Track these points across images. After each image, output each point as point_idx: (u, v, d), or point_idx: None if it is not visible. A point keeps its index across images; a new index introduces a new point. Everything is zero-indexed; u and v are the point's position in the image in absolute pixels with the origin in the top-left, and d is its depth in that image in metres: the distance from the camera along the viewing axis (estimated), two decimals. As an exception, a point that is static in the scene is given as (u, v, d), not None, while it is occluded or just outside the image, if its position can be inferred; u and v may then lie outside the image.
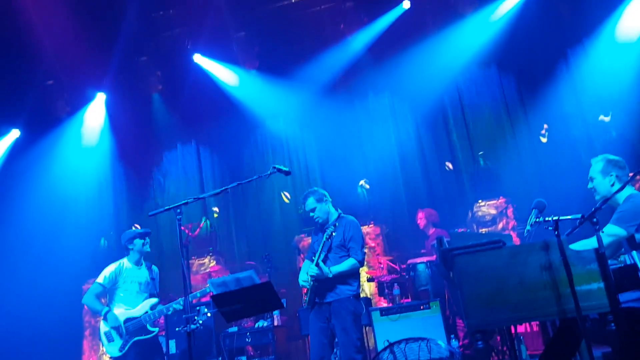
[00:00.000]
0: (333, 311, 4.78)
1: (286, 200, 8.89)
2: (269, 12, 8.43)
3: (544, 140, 7.68)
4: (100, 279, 5.45)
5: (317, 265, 4.73)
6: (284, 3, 8.17)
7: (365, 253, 4.99)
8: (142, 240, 5.51)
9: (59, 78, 9.06)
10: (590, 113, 7.50)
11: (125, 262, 5.56)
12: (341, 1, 8.12)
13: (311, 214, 5.05)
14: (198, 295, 5.48)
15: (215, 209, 8.94)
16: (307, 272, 4.85)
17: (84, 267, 8.79)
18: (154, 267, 5.70)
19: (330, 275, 4.74)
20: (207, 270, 8.77)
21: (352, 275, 4.88)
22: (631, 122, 7.13)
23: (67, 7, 7.50)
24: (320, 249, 4.84)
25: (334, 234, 4.84)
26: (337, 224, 4.94)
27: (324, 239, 4.84)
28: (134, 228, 5.57)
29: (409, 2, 8.02)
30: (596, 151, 4.39)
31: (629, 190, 3.87)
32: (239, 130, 9.24)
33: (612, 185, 3.91)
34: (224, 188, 4.30)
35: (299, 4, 8.45)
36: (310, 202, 5.02)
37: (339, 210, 5.10)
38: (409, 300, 6.71)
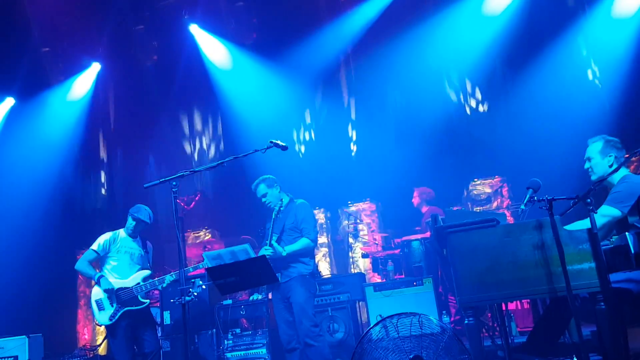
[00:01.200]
0: (291, 289, 4.90)
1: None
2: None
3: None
4: (94, 246, 5.46)
5: (270, 245, 4.83)
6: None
7: (317, 232, 5.15)
8: (138, 226, 5.52)
9: (54, 46, 8.92)
10: (586, 92, 7.47)
11: (121, 232, 5.59)
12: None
13: (263, 200, 5.15)
14: (191, 269, 5.52)
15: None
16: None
17: (78, 235, 8.82)
18: (148, 243, 5.73)
19: (284, 254, 4.86)
20: (202, 242, 8.82)
21: (307, 254, 5.00)
22: (626, 97, 7.12)
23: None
24: (271, 231, 4.95)
25: (281, 209, 4.97)
26: (288, 206, 5.06)
27: (273, 216, 4.97)
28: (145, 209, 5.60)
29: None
30: (590, 131, 4.37)
31: (623, 172, 3.89)
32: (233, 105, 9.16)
33: (610, 166, 3.92)
34: (220, 161, 4.27)
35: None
36: (262, 188, 5.13)
37: (290, 195, 5.20)
38: (403, 276, 6.78)
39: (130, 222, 5.50)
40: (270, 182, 5.15)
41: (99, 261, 5.51)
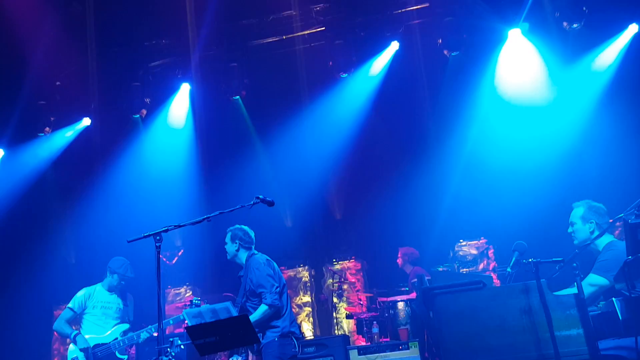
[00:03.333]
0: (264, 355, 4.79)
1: None
2: (259, 47, 8.51)
3: None
4: (70, 304, 5.41)
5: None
6: (275, 39, 8.26)
7: (276, 293, 4.88)
8: (118, 280, 5.47)
9: (49, 99, 8.92)
10: (572, 155, 7.62)
11: (98, 287, 5.50)
12: (331, 39, 8.22)
13: (226, 246, 5.16)
14: (171, 322, 5.36)
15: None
16: None
17: (55, 291, 8.57)
18: (129, 295, 5.60)
19: None
20: (183, 301, 8.59)
21: (273, 317, 4.86)
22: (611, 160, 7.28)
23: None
24: (240, 295, 4.97)
25: (241, 277, 4.96)
26: (246, 268, 5.02)
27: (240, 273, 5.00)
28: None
29: (397, 43, 8.12)
30: (578, 195, 4.44)
31: (608, 238, 3.92)
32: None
33: (592, 232, 3.97)
34: (205, 217, 4.22)
35: (290, 40, 8.54)
36: (227, 237, 5.15)
37: (250, 251, 5.10)
38: (388, 339, 6.61)
39: (111, 277, 5.39)
40: (233, 235, 5.10)
41: (77, 319, 5.41)
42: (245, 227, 5.20)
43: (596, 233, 3.92)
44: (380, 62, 8.27)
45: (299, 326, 6.66)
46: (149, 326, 5.29)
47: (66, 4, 7.37)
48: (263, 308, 4.79)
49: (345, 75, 8.05)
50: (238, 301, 4.92)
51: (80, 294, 5.43)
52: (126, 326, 5.39)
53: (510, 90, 7.98)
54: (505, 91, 8.02)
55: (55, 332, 6.09)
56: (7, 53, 7.64)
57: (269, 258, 5.15)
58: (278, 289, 4.91)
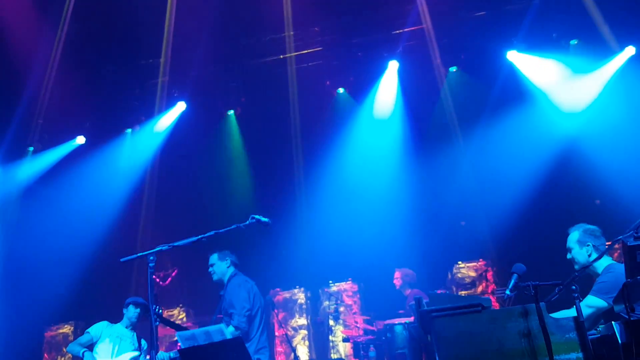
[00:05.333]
0: None
1: None
2: (257, 66, 8.55)
3: None
4: (89, 329, 5.61)
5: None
6: (272, 58, 8.32)
7: (246, 315, 4.85)
8: (135, 310, 5.60)
9: (47, 117, 8.90)
10: (573, 179, 7.62)
11: (118, 324, 5.71)
12: (328, 59, 8.28)
13: (210, 269, 5.13)
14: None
15: None
16: None
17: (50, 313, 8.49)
18: (144, 341, 5.73)
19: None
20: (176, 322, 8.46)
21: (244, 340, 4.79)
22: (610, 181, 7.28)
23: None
24: (216, 311, 4.98)
25: (222, 296, 4.97)
26: (226, 287, 5.02)
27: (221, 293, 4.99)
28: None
29: (396, 62, 8.20)
30: (577, 216, 4.43)
31: (607, 261, 3.90)
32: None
33: (589, 255, 3.96)
34: (200, 236, 4.16)
35: (288, 60, 8.59)
36: (213, 257, 5.14)
37: (235, 271, 5.12)
38: (385, 363, 6.50)
39: (126, 311, 5.58)
40: (223, 254, 5.11)
41: (92, 345, 5.53)
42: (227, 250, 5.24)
43: (594, 255, 3.91)
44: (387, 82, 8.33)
45: (272, 355, 6.59)
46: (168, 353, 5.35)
47: (64, 24, 7.41)
48: (230, 329, 4.79)
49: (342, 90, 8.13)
50: (213, 318, 4.88)
51: (101, 323, 5.64)
52: (137, 354, 5.54)
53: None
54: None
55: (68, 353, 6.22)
56: (4, 70, 7.67)
57: (248, 279, 5.14)
58: (248, 312, 4.85)
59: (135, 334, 5.71)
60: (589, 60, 7.66)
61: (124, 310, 5.67)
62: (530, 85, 7.93)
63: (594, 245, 3.97)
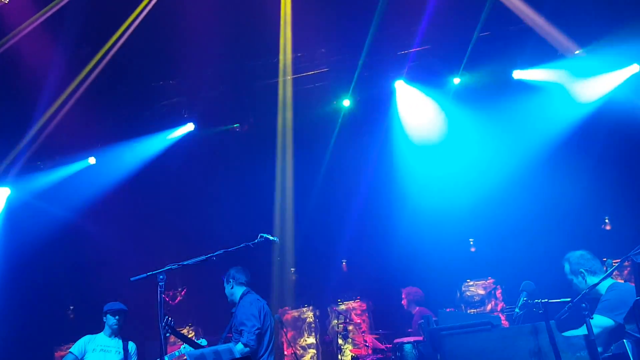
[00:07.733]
0: None
1: None
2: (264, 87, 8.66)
3: None
4: (72, 348, 5.51)
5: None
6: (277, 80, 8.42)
7: (256, 333, 4.86)
8: (113, 318, 5.47)
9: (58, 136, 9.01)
10: (580, 198, 7.59)
11: (99, 334, 5.63)
12: (334, 80, 8.38)
13: (225, 290, 5.24)
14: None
15: None
16: None
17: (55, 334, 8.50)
18: (131, 344, 5.60)
19: None
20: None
21: (249, 357, 4.79)
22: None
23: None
24: (227, 329, 5.01)
25: (233, 313, 5.01)
26: (237, 305, 5.07)
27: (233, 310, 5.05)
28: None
29: (403, 81, 8.27)
30: (587, 234, 4.43)
31: (609, 281, 3.90)
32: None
33: (585, 280, 3.99)
34: (209, 255, 4.19)
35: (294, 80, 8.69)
36: (224, 282, 5.23)
37: (246, 289, 5.16)
38: (394, 382, 6.43)
39: (105, 320, 5.46)
40: (228, 275, 5.18)
41: None
42: (240, 267, 5.26)
43: (589, 277, 3.95)
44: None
45: None
46: None
47: (76, 46, 7.54)
48: (239, 347, 4.81)
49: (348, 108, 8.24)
50: (222, 336, 4.89)
51: (82, 339, 5.55)
52: None
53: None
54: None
55: None
56: (16, 92, 7.80)
57: (259, 298, 5.16)
58: (258, 330, 4.88)
59: (119, 340, 5.61)
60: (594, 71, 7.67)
61: (104, 319, 5.59)
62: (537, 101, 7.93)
63: (586, 270, 4.01)
